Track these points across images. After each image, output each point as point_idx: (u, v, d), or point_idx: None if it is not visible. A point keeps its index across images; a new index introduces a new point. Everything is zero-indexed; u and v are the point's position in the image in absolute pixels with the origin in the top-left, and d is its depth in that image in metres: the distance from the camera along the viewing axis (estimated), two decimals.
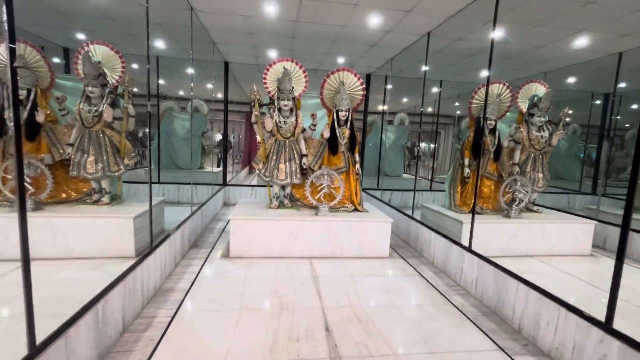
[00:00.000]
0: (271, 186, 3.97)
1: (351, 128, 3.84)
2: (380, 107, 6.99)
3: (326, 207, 3.72)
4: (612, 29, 3.56)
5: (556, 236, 3.59)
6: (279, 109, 3.64)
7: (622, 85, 4.85)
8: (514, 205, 3.64)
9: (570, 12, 3.26)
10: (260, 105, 3.67)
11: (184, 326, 2.19)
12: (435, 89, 6.41)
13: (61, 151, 3.07)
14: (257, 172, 3.84)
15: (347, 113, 3.75)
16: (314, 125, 3.79)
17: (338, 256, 3.60)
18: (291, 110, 3.66)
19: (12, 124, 2.91)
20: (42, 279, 2.34)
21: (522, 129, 3.83)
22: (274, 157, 3.75)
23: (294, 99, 3.65)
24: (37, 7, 3.51)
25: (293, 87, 3.63)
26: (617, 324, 1.73)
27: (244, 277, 3.00)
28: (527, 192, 3.65)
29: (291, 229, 3.53)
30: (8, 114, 2.96)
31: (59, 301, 2.01)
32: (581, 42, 3.96)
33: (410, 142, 7.73)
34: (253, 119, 3.71)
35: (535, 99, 3.82)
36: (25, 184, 2.82)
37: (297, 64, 3.72)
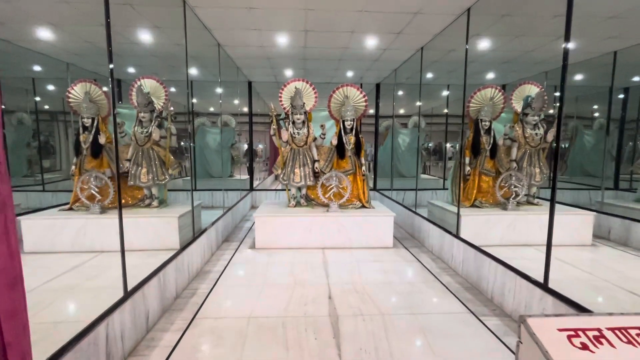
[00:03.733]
0: (289, 189, 4.60)
1: (356, 135, 4.39)
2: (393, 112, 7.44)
3: (336, 204, 4.28)
4: (592, 34, 3.84)
5: (555, 227, 3.85)
6: (293, 122, 4.27)
7: (636, 79, 5.04)
8: (510, 199, 3.96)
9: (542, 25, 3.62)
10: (277, 120, 4.33)
11: (220, 295, 2.85)
12: (445, 92, 6.77)
13: (120, 165, 3.88)
14: (277, 176, 4.50)
15: (352, 122, 4.31)
16: (324, 134, 4.39)
17: (347, 247, 4.14)
18: (303, 122, 4.28)
19: (86, 146, 3.79)
20: (113, 265, 3.06)
21: (517, 128, 4.16)
22: (290, 163, 4.38)
23: (305, 112, 4.27)
24: (98, 52, 4.43)
25: (304, 103, 4.24)
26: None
27: (266, 262, 3.63)
28: (522, 186, 3.97)
29: (306, 224, 4.13)
30: (83, 138, 3.82)
31: (127, 279, 2.73)
32: (568, 45, 4.24)
33: (429, 143, 7.98)
34: (271, 132, 4.37)
35: (529, 99, 4.14)
36: (93, 192, 3.63)
37: (307, 82, 4.34)
